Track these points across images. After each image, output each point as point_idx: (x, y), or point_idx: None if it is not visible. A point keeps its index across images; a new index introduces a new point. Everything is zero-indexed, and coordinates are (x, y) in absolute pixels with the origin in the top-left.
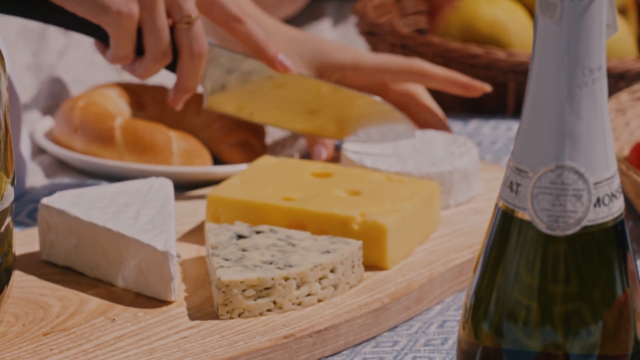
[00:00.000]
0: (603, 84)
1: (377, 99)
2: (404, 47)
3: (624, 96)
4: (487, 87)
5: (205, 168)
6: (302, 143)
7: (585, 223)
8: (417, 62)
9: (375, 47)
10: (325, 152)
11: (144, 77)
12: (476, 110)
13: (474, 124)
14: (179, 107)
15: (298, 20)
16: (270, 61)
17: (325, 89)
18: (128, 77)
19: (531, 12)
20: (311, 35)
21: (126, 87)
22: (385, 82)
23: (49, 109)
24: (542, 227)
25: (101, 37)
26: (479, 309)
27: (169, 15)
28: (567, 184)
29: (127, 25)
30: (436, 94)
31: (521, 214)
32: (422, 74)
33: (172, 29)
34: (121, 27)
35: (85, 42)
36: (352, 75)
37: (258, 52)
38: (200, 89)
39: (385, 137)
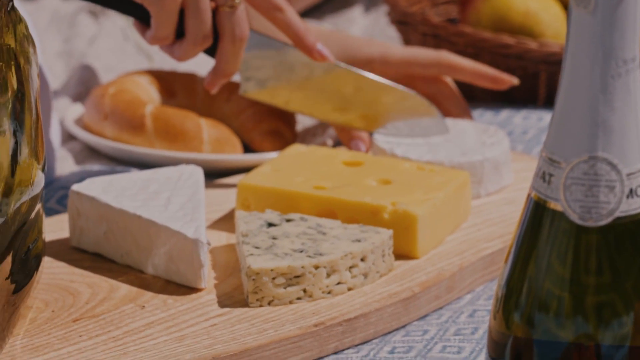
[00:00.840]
0: (637, 75)
1: (412, 92)
2: (436, 37)
3: None
4: (515, 80)
5: (236, 156)
6: (333, 132)
7: (617, 214)
8: (445, 54)
9: (406, 37)
10: (363, 146)
11: (182, 59)
12: (507, 100)
13: (505, 114)
14: (215, 91)
15: (328, 7)
16: (309, 50)
17: (361, 81)
18: (159, 65)
19: (563, 3)
20: (337, 31)
21: (157, 75)
22: (414, 74)
23: (79, 96)
24: (575, 218)
25: (142, 17)
26: (511, 299)
27: None
28: (600, 174)
29: (170, 5)
30: (467, 84)
31: (553, 205)
32: (450, 66)
33: (215, 12)
34: (164, 7)
35: (115, 30)
36: (380, 69)
37: (297, 40)
38: (236, 76)
39: (416, 132)
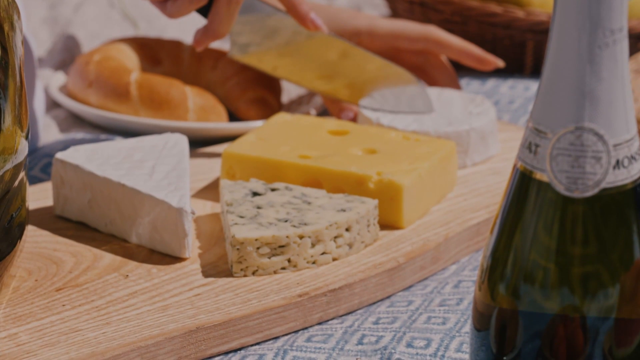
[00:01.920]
0: (624, 45)
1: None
2: (422, 5)
3: None
4: (500, 63)
5: (221, 124)
6: (318, 100)
7: (604, 185)
8: (433, 29)
9: (393, 5)
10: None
11: (175, 16)
12: (494, 70)
13: (491, 83)
14: (201, 49)
15: None
16: (302, 18)
17: (349, 50)
18: (144, 32)
19: None
20: (324, 5)
21: (142, 42)
22: (401, 47)
23: (64, 64)
24: (561, 188)
25: None
26: (496, 270)
27: None
28: (587, 145)
29: None
30: None
31: (540, 175)
32: (438, 42)
33: None
34: None
35: None
36: (367, 41)
37: (290, 8)
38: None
39: (402, 105)
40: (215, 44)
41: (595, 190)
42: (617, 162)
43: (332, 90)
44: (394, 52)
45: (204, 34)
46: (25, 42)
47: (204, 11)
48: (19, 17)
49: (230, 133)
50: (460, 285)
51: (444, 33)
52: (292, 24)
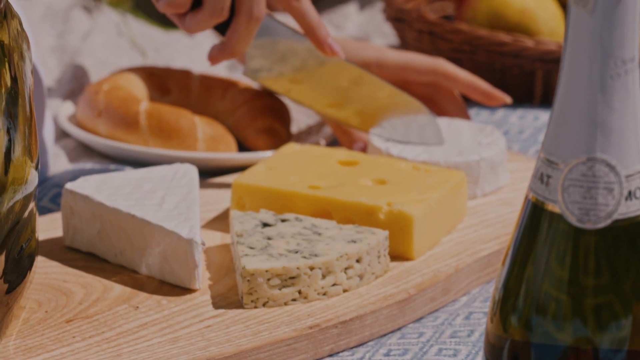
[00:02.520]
0: (636, 75)
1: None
2: (431, 34)
3: None
4: (508, 99)
5: (230, 155)
6: (327, 130)
7: (616, 216)
8: (442, 62)
9: (401, 34)
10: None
11: (194, 30)
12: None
13: (500, 112)
14: (215, 64)
15: (324, 3)
16: (320, 43)
17: (362, 77)
18: (153, 61)
19: (560, 0)
20: (333, 36)
21: (151, 71)
22: (409, 79)
23: (73, 92)
24: (573, 220)
25: None
26: (508, 302)
27: None
28: (599, 176)
29: None
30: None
31: (552, 207)
32: (446, 75)
33: None
34: None
35: (109, 25)
36: (376, 72)
37: (309, 31)
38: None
39: (412, 135)
40: (225, 73)
41: (608, 222)
42: (630, 193)
43: (343, 117)
44: (403, 84)
45: (220, 51)
46: (34, 72)
47: (221, 28)
48: (28, 46)
49: (239, 163)
50: (471, 316)
51: (452, 66)
52: (306, 48)
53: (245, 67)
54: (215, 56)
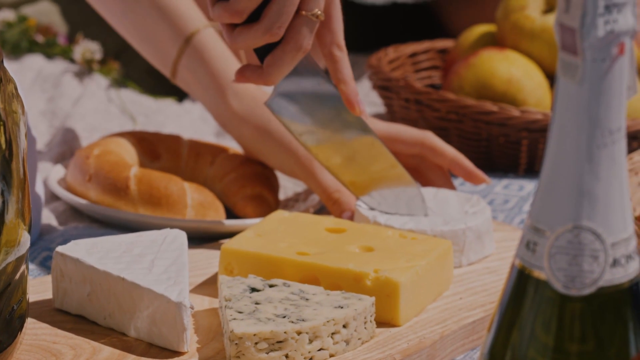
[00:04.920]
0: (622, 145)
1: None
2: (418, 103)
3: (636, 156)
4: (488, 181)
5: (219, 221)
6: (315, 198)
7: (601, 283)
8: (429, 135)
9: (388, 102)
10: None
11: (240, 45)
12: (489, 167)
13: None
14: (240, 82)
15: None
16: (350, 99)
17: (372, 143)
18: (143, 127)
19: (546, 71)
20: None
21: (141, 136)
22: (396, 150)
23: (63, 156)
24: (559, 286)
25: None
26: None
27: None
28: (584, 244)
29: None
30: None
31: (538, 273)
32: (432, 149)
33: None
34: None
35: (100, 91)
36: None
37: (343, 84)
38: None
39: (399, 206)
40: (213, 139)
41: (593, 289)
42: (615, 260)
43: (343, 179)
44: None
45: (254, 73)
46: (28, 135)
47: (262, 53)
48: (23, 111)
49: (228, 230)
50: None
51: (439, 141)
52: (333, 104)
53: (271, 99)
54: (246, 76)
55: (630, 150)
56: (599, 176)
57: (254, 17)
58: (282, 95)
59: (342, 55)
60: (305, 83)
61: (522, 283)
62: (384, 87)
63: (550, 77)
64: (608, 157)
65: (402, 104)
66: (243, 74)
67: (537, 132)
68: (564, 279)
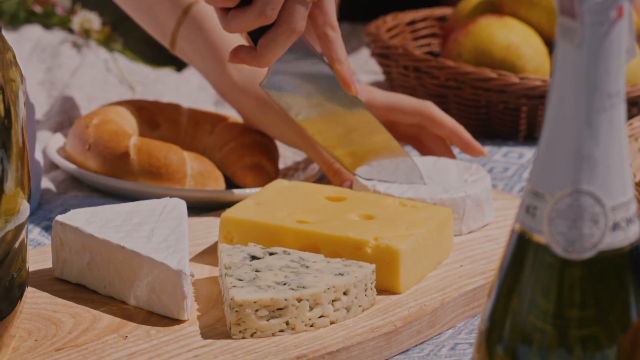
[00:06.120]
0: (621, 109)
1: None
2: (417, 70)
3: (636, 122)
4: (486, 153)
5: (219, 191)
6: (315, 167)
7: (601, 247)
8: (429, 105)
9: (387, 69)
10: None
11: (235, 29)
12: (488, 135)
13: (486, 150)
14: (234, 62)
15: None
16: (346, 79)
17: (367, 118)
18: (141, 96)
19: (544, 37)
20: None
21: (140, 105)
22: (395, 120)
23: (61, 125)
24: (559, 250)
25: None
26: (494, 332)
27: None
28: (584, 207)
29: None
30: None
31: (537, 238)
32: (431, 119)
33: None
34: None
35: (98, 62)
36: None
37: (337, 64)
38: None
39: (397, 175)
40: (212, 108)
41: (593, 252)
42: (615, 224)
43: (338, 154)
44: (390, 124)
45: (248, 55)
46: (27, 104)
47: (255, 35)
48: (21, 79)
49: (228, 199)
50: (457, 347)
51: (439, 111)
52: (327, 83)
53: (266, 80)
54: (240, 57)
55: (630, 116)
56: (598, 140)
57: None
58: (276, 75)
59: (336, 36)
60: (299, 63)
61: (522, 247)
62: (382, 55)
63: (549, 44)
64: (607, 121)
65: (401, 71)
66: (237, 55)
67: (537, 98)
68: (564, 243)
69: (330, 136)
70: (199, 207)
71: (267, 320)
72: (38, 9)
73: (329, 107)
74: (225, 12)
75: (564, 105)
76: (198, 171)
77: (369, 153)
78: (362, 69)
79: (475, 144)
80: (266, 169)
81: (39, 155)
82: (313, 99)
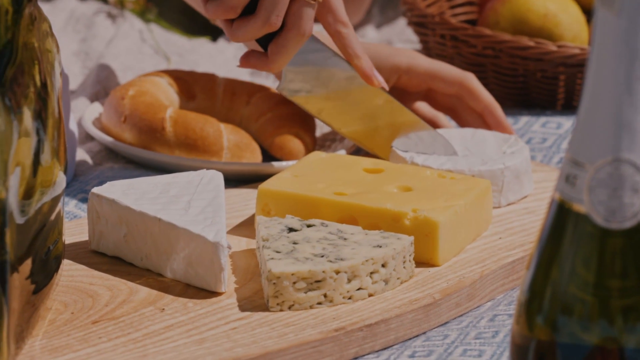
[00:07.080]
0: None
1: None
2: (454, 39)
3: None
4: (513, 133)
5: (256, 164)
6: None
7: None
8: (470, 77)
9: (424, 38)
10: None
11: (240, 39)
12: (526, 104)
13: (524, 120)
14: (244, 67)
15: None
16: (367, 73)
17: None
18: (177, 66)
19: (582, 5)
20: (364, 42)
21: (176, 75)
22: (435, 88)
23: (97, 96)
24: (599, 220)
25: None
26: (534, 302)
27: None
28: (625, 176)
29: None
30: (487, 87)
31: (577, 207)
32: (470, 91)
33: (291, 1)
34: None
35: (133, 32)
36: (405, 79)
37: (354, 60)
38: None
39: (434, 147)
40: (248, 78)
41: (634, 222)
42: None
43: (366, 144)
44: (429, 92)
45: (259, 60)
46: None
47: (263, 41)
48: (57, 50)
49: (265, 172)
50: (496, 318)
51: (479, 84)
52: (345, 75)
53: (281, 85)
54: (251, 63)
55: None
56: (639, 108)
57: (250, 8)
58: (293, 77)
59: (349, 31)
60: (312, 59)
61: (561, 217)
62: (419, 24)
63: (587, 12)
64: None
65: (437, 40)
66: (248, 60)
67: (575, 67)
68: (605, 212)
69: (357, 129)
70: (235, 180)
71: (305, 292)
72: None
73: (351, 99)
74: (229, 22)
75: (604, 73)
76: (235, 143)
77: (396, 132)
78: (399, 38)
79: (508, 124)
80: (303, 140)
81: (73, 126)
82: (332, 93)
